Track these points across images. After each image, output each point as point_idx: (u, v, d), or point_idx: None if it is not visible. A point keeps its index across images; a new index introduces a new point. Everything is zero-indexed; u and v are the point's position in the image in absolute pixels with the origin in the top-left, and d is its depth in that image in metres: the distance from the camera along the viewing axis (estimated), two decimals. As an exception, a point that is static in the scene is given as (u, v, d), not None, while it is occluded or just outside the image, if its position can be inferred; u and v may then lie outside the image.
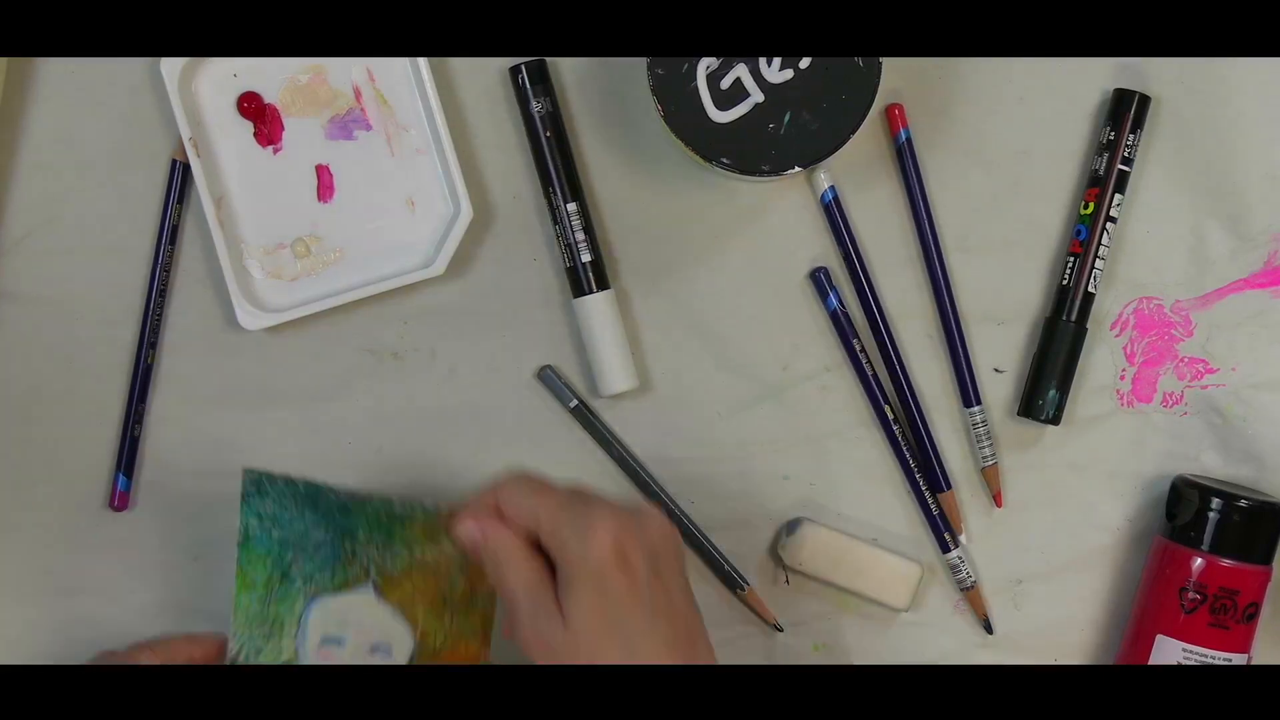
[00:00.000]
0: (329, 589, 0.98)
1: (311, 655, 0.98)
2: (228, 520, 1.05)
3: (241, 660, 0.98)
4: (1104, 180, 1.04)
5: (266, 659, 0.98)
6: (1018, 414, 1.06)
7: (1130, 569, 1.07)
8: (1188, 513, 1.03)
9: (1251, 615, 1.03)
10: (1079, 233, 1.05)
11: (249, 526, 0.97)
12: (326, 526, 0.97)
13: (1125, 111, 1.04)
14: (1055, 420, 1.05)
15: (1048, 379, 1.05)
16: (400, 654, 0.99)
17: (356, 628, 0.98)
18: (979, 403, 1.06)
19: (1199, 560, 1.02)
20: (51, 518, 1.05)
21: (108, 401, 1.05)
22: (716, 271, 1.06)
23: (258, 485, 0.97)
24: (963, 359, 1.06)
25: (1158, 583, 1.04)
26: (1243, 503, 1.02)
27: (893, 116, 1.05)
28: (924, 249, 1.06)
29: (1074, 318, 1.05)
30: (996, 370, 1.07)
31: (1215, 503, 1.02)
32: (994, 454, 1.06)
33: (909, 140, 1.05)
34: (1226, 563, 1.02)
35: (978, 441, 1.06)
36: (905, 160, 1.05)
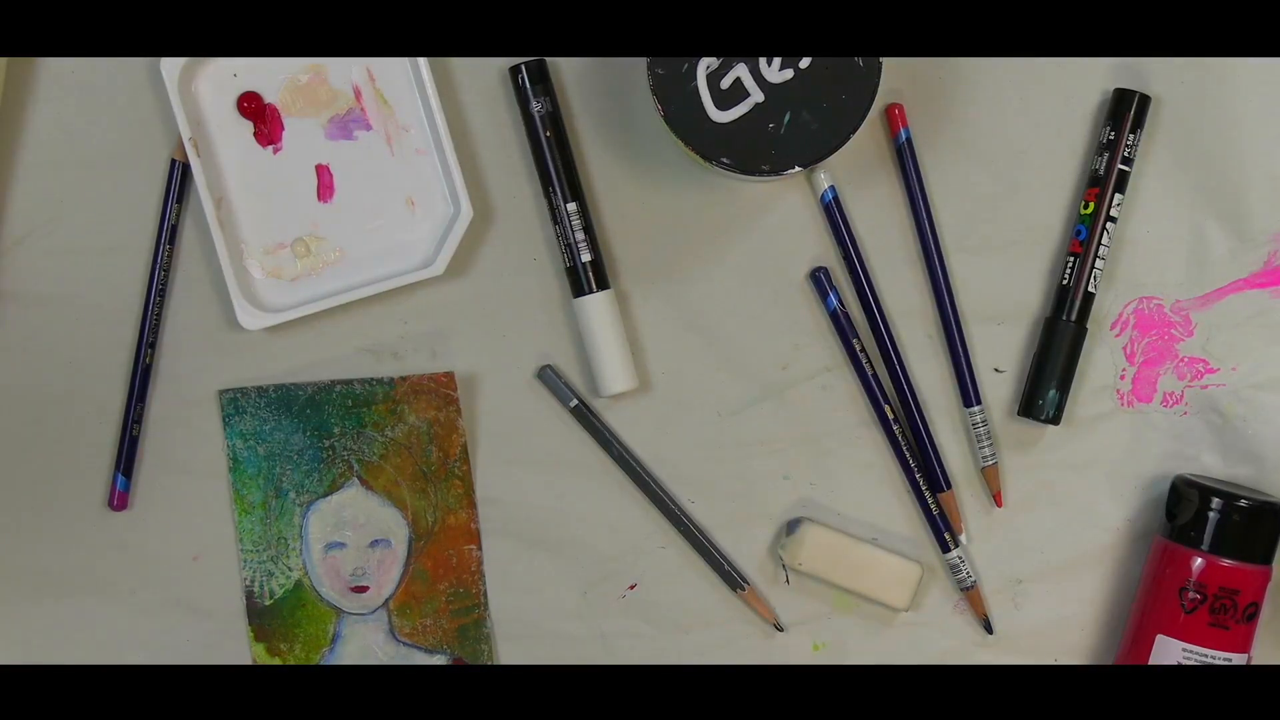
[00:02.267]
0: (319, 494, 1.03)
1: (318, 565, 1.04)
2: (228, 520, 1.05)
3: (256, 589, 1.04)
4: (1104, 180, 1.04)
5: (279, 581, 1.04)
6: (1018, 414, 1.06)
7: (1130, 569, 1.07)
8: (1188, 513, 1.03)
9: (1251, 615, 1.03)
10: (1079, 233, 1.05)
11: (235, 449, 1.04)
12: (303, 429, 1.04)
13: (1125, 111, 1.04)
14: (1055, 420, 1.05)
15: (1048, 379, 1.05)
16: (399, 542, 1.04)
17: (353, 527, 1.04)
18: (979, 402, 1.06)
19: (1199, 560, 1.02)
20: (51, 518, 1.05)
21: (108, 401, 1.05)
22: (716, 271, 1.06)
23: (235, 404, 1.04)
24: (963, 359, 1.06)
25: (1158, 583, 1.04)
26: (1242, 503, 1.02)
27: (893, 116, 1.05)
28: (924, 249, 1.06)
29: (1074, 318, 1.05)
30: (997, 370, 1.07)
31: (1215, 503, 1.02)
32: (994, 454, 1.06)
33: (909, 140, 1.05)
34: (1226, 563, 1.02)
35: (977, 441, 1.06)
36: (905, 160, 1.05)
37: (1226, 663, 1.02)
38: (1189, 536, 1.03)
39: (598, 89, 1.06)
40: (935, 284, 1.06)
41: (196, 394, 1.05)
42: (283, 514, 1.05)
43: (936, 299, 1.06)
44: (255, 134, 1.04)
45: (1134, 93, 1.04)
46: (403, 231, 1.05)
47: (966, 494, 1.07)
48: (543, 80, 1.04)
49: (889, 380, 1.06)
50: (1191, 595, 1.02)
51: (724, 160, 0.99)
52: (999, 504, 1.07)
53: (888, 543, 1.07)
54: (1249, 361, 1.06)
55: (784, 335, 1.06)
